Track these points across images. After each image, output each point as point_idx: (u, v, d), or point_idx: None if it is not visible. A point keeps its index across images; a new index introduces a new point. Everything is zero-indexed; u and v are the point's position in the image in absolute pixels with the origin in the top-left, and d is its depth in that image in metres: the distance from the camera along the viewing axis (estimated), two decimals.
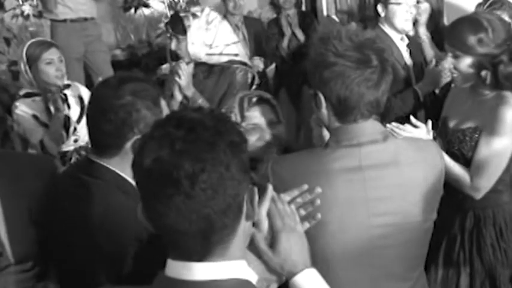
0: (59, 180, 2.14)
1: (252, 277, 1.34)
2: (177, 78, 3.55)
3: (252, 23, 5.73)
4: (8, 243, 2.16)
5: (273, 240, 1.56)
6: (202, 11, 3.60)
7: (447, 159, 2.69)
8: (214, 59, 3.60)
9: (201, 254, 1.26)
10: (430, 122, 2.82)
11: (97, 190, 1.92)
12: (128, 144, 1.90)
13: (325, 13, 6.71)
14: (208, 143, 1.22)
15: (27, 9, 6.50)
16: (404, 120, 3.52)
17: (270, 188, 1.63)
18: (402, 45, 3.72)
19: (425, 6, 3.98)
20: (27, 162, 2.33)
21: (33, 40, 3.94)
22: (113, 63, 6.38)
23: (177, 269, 1.28)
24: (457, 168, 2.71)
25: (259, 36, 5.66)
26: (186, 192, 1.19)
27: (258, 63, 5.41)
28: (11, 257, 2.17)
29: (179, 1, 6.45)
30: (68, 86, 3.80)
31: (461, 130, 2.74)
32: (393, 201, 1.83)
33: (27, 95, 3.74)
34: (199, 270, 1.26)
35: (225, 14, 5.54)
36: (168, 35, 3.69)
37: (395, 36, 3.70)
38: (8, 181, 2.18)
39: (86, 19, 6.00)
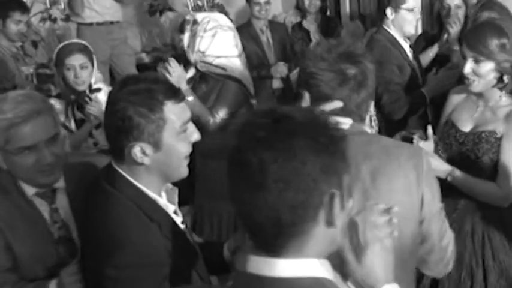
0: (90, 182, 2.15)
1: (330, 276, 1.31)
2: (167, 75, 3.57)
3: (277, 27, 5.73)
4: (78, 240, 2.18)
5: (357, 252, 1.53)
6: (204, 18, 3.64)
7: (471, 179, 2.71)
8: (206, 68, 3.64)
9: (275, 248, 1.25)
10: (430, 127, 2.85)
11: (110, 200, 1.88)
12: (126, 151, 1.83)
13: (348, 17, 6.72)
14: (288, 135, 1.20)
15: (54, 12, 6.58)
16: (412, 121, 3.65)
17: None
18: (406, 46, 3.87)
19: (460, 14, 4.04)
20: (87, 162, 2.35)
21: (66, 42, 4.01)
22: (138, 66, 6.45)
23: (256, 264, 1.28)
24: (488, 186, 2.73)
25: (284, 40, 5.67)
26: (256, 180, 1.20)
27: (282, 69, 5.43)
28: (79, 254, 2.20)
29: (203, 5, 6.49)
30: (98, 90, 3.79)
31: (476, 133, 2.77)
32: None
33: (57, 96, 3.81)
34: (278, 266, 1.25)
35: (250, 18, 5.57)
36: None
37: (400, 38, 3.83)
38: (75, 179, 2.20)
39: (111, 23, 6.12)
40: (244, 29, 5.45)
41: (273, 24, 5.75)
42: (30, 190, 2.15)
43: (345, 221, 1.34)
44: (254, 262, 1.28)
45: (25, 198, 2.14)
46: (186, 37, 3.63)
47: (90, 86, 3.76)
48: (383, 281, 1.49)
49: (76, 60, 3.72)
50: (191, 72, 3.75)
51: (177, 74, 3.57)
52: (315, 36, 5.89)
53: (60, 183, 2.18)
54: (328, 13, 6.74)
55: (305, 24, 5.96)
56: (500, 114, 2.76)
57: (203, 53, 3.61)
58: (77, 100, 3.71)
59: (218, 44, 3.62)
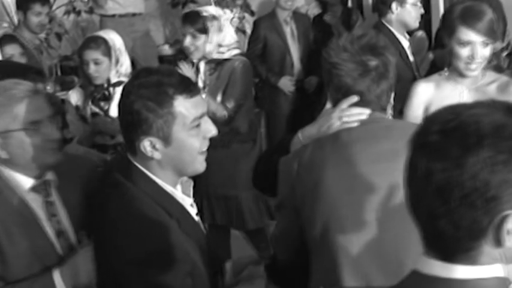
0: (100, 176, 2.15)
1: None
2: None
3: (300, 19, 5.69)
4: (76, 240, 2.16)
5: None
6: (217, 12, 3.86)
7: None
8: (219, 56, 3.80)
9: (445, 256, 1.16)
10: None
11: (128, 196, 1.85)
12: (137, 145, 1.80)
13: (371, 9, 6.67)
14: (462, 148, 1.07)
15: (78, 5, 6.65)
16: None
17: None
18: (406, 44, 3.82)
19: None
20: (83, 163, 2.36)
21: (89, 35, 4.06)
22: (161, 58, 6.49)
23: (432, 267, 1.18)
24: None
25: (308, 32, 5.66)
26: (420, 187, 1.12)
27: (288, 84, 5.47)
28: None
29: None
30: (119, 84, 3.67)
31: None
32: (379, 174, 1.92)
33: (80, 87, 3.87)
34: (457, 271, 1.14)
35: (275, 9, 5.51)
36: (184, 32, 3.84)
37: (400, 35, 3.79)
38: (65, 173, 2.16)
39: (134, 14, 6.15)
40: (268, 20, 5.44)
41: (297, 15, 5.70)
42: (26, 183, 2.07)
43: None
44: (427, 264, 1.19)
45: (16, 195, 2.06)
46: (212, 34, 3.73)
47: (108, 80, 3.75)
48: None
49: (88, 55, 3.69)
50: (202, 67, 3.85)
51: (188, 75, 3.64)
52: (336, 28, 5.86)
53: (51, 176, 2.13)
54: (349, 5, 6.71)
55: (326, 17, 5.92)
56: (492, 92, 2.73)
57: (220, 44, 3.76)
58: (93, 93, 3.73)
59: (230, 34, 3.85)
